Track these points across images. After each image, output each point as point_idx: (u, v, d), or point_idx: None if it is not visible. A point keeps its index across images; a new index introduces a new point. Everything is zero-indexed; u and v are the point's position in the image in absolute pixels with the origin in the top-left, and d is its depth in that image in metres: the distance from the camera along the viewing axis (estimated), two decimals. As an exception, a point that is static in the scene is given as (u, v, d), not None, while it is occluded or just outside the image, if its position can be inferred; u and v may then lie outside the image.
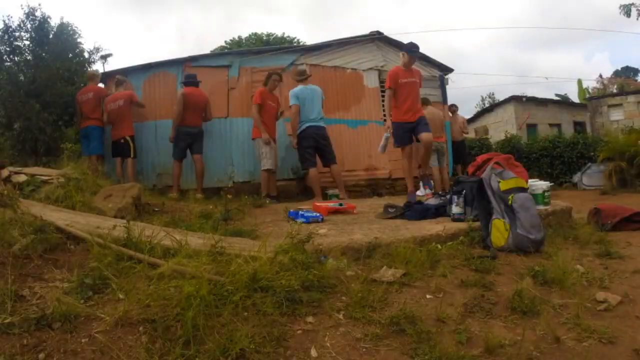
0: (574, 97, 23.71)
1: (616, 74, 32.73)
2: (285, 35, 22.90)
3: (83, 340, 1.77)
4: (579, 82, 22.25)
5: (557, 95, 26.01)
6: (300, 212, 4.38)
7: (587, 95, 20.90)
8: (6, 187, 4.34)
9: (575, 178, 12.37)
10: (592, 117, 17.57)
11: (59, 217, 3.22)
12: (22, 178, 4.89)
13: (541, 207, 4.22)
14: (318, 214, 4.35)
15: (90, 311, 1.94)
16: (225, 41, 22.84)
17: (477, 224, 3.62)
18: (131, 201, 4.32)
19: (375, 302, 2.34)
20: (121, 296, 2.06)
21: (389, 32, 9.75)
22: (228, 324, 1.93)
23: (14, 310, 1.89)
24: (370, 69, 8.82)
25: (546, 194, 4.32)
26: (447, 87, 9.88)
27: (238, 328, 1.91)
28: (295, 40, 22.61)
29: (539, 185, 4.41)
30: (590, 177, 11.81)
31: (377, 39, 8.95)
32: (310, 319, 2.16)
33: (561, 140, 13.72)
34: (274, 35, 22.69)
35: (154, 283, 2.12)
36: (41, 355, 1.66)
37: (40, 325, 1.81)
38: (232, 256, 2.47)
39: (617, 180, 10.59)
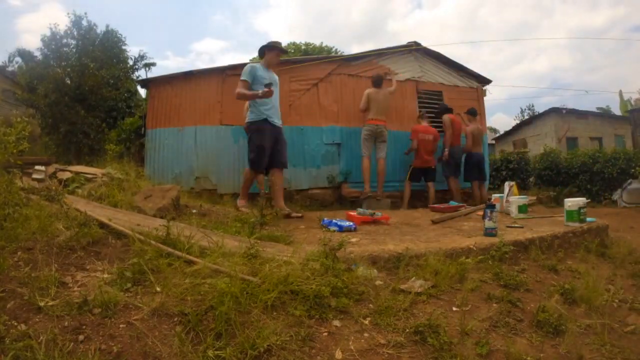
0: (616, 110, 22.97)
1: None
2: (323, 45, 23.07)
3: (121, 326, 1.87)
4: (620, 93, 21.45)
5: (598, 108, 25.26)
6: (334, 221, 4.44)
7: (630, 108, 19.87)
8: (52, 183, 4.59)
9: (615, 195, 11.59)
10: (634, 130, 16.43)
11: (102, 213, 3.39)
12: (67, 175, 5.15)
13: (576, 225, 4.15)
14: (351, 223, 4.39)
15: (129, 300, 2.05)
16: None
17: (510, 239, 3.59)
18: (170, 202, 4.49)
19: (401, 311, 2.37)
20: (158, 289, 2.17)
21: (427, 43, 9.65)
22: (257, 321, 2.02)
23: (57, 295, 2.03)
24: (408, 79, 8.85)
25: (582, 210, 4.23)
26: (485, 98, 9.79)
27: (267, 325, 1.98)
28: (334, 50, 22.73)
29: (575, 202, 4.33)
30: (631, 194, 10.98)
31: (415, 50, 8.95)
32: (336, 322, 2.22)
33: (601, 155, 12.88)
34: (312, 45, 22.87)
35: (189, 279, 2.22)
36: (80, 337, 1.77)
37: (82, 310, 1.92)
38: (265, 259, 2.56)
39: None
